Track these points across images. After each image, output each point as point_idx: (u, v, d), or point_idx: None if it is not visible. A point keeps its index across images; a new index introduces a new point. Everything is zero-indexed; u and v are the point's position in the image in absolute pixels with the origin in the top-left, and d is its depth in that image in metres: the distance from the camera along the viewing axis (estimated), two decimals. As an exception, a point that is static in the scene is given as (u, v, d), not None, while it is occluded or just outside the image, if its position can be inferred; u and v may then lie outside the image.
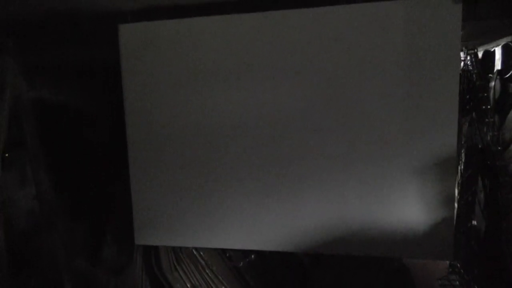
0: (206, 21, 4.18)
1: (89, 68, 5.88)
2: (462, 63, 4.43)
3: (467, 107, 4.52)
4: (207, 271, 4.84)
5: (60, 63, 5.71)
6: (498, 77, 4.93)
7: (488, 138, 4.39)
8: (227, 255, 5.08)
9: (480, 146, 4.50)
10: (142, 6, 4.16)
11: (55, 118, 5.56)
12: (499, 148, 4.30)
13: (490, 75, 5.14)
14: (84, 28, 4.46)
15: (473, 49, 4.62)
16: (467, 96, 4.52)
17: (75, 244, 5.34)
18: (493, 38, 5.13)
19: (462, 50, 4.45)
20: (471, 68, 4.59)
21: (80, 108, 6.06)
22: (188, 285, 4.79)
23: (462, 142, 4.52)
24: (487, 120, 4.40)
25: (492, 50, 5.34)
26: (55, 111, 5.66)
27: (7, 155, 4.60)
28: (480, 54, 5.15)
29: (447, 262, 4.49)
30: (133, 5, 4.14)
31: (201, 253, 4.92)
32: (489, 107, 4.42)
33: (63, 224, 4.84)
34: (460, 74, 3.87)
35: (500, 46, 5.16)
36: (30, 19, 4.43)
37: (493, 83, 4.96)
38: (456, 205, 4.19)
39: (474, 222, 4.51)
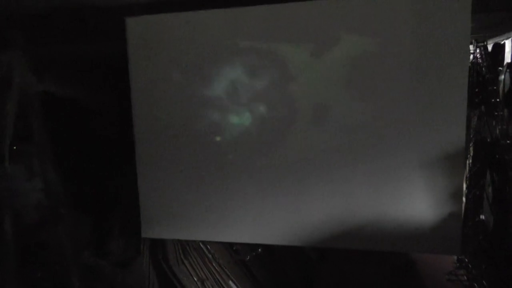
0: (213, 14, 4.16)
1: (96, 62, 5.87)
2: (471, 56, 4.39)
3: (476, 100, 4.49)
4: (214, 264, 4.85)
5: (68, 57, 5.71)
6: (508, 70, 4.88)
7: (497, 131, 4.36)
8: (234, 248, 5.09)
9: (489, 140, 4.47)
10: (149, 0, 4.15)
11: (63, 111, 5.56)
12: (508, 142, 4.27)
13: (500, 68, 5.08)
14: (92, 22, 4.45)
15: (483, 42, 4.58)
16: (476, 89, 4.48)
17: (82, 236, 5.35)
18: (503, 30, 5.07)
19: (471, 43, 4.40)
20: (480, 61, 4.55)
21: (87, 102, 6.07)
22: (195, 278, 4.81)
23: (471, 136, 4.49)
24: (496, 113, 4.37)
25: (502, 43, 5.28)
26: (63, 104, 5.67)
27: (14, 148, 4.61)
28: (489, 47, 5.10)
29: (455, 256, 4.49)
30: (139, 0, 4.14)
31: (208, 246, 4.93)
32: (498, 100, 4.38)
33: (70, 217, 4.86)
34: (469, 67, 3.83)
35: (510, 39, 5.10)
36: (38, 14, 4.44)
37: (502, 77, 4.91)
38: (464, 199, 4.16)
39: (482, 217, 4.49)
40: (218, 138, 4.35)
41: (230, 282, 4.78)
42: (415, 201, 3.98)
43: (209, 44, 4.21)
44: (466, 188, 4.33)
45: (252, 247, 5.03)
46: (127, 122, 4.60)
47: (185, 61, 4.28)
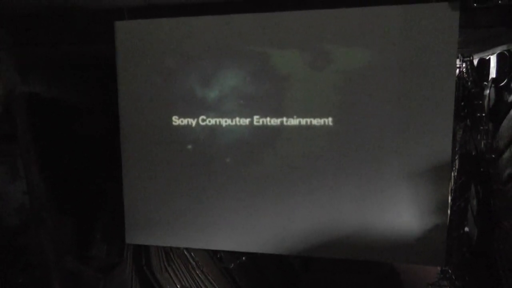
0: (201, 21, 4.16)
1: (84, 64, 5.84)
2: (457, 70, 4.45)
3: (462, 114, 4.54)
4: (197, 272, 4.82)
5: (55, 58, 5.66)
6: (492, 85, 4.95)
7: (482, 145, 4.41)
8: (218, 256, 5.06)
9: (473, 153, 4.52)
10: (139, 3, 4.14)
11: (48, 113, 5.50)
12: (493, 156, 4.32)
13: (485, 83, 5.16)
14: (81, 24, 4.42)
15: (469, 57, 4.64)
16: (462, 103, 4.54)
17: (65, 241, 5.28)
18: (488, 46, 5.15)
19: (458, 57, 4.46)
20: (466, 75, 4.61)
21: (74, 103, 6.01)
22: (178, 286, 4.77)
23: (456, 149, 4.54)
24: (481, 127, 4.42)
25: (487, 58, 5.36)
26: (48, 106, 5.61)
27: (-2, 149, 4.55)
28: (475, 62, 5.17)
29: (438, 267, 4.51)
30: (130, 3, 4.12)
31: (192, 253, 4.90)
32: (483, 114, 4.44)
33: (53, 220, 4.79)
34: (455, 81, 3.88)
35: (495, 55, 5.18)
36: (25, 14, 4.40)
37: (487, 91, 4.98)
38: (448, 211, 4.20)
39: (467, 229, 4.53)
40: (204, 145, 4.34)
41: (214, 290, 4.76)
42: (401, 212, 4.00)
43: (197, 50, 4.21)
44: (451, 200, 4.37)
45: (236, 255, 5.01)
46: (114, 126, 4.56)
47: (173, 66, 4.27)
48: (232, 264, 4.99)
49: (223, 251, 4.97)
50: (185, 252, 4.88)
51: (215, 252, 5.00)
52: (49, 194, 4.87)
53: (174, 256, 4.86)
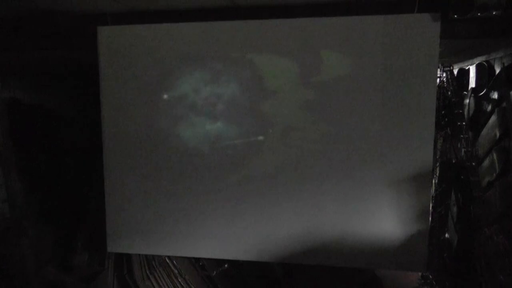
0: (183, 27, 4.18)
1: (66, 69, 5.79)
2: (438, 80, 4.52)
3: (442, 122, 4.60)
4: (179, 280, 4.79)
5: (36, 64, 5.59)
6: (472, 95, 5.03)
7: (462, 153, 4.47)
8: (201, 264, 5.04)
9: (454, 161, 4.58)
10: (122, 9, 4.14)
11: (29, 119, 5.44)
12: (473, 163, 4.38)
13: (465, 92, 5.24)
14: (63, 29, 4.40)
15: (449, 67, 4.72)
16: (442, 112, 4.61)
17: (46, 250, 5.20)
18: (467, 56, 5.24)
19: (438, 67, 4.54)
20: (446, 85, 4.69)
21: (56, 110, 5.96)
22: (160, 294, 4.73)
23: (437, 157, 4.59)
24: (461, 136, 4.48)
25: (467, 68, 5.45)
26: (30, 112, 5.55)
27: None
28: (455, 71, 5.26)
29: (419, 273, 4.54)
30: (113, 8, 4.11)
31: (174, 261, 4.87)
32: (463, 123, 4.50)
33: (33, 229, 4.73)
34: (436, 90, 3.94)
35: (474, 65, 5.27)
36: (5, 18, 4.36)
37: (467, 101, 5.06)
38: (429, 218, 4.24)
39: (447, 235, 4.57)
40: (187, 154, 4.33)
41: (196, 298, 4.73)
42: (383, 219, 4.03)
43: (180, 56, 4.22)
44: (432, 207, 4.42)
45: (219, 262, 4.99)
46: (96, 133, 4.53)
47: (157, 72, 4.27)
48: (215, 272, 4.97)
49: (205, 259, 4.94)
50: (167, 260, 4.85)
51: (197, 260, 4.97)
52: (30, 202, 4.80)
53: (156, 264, 4.83)
